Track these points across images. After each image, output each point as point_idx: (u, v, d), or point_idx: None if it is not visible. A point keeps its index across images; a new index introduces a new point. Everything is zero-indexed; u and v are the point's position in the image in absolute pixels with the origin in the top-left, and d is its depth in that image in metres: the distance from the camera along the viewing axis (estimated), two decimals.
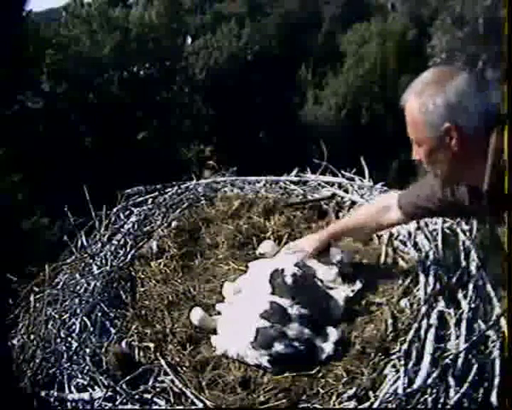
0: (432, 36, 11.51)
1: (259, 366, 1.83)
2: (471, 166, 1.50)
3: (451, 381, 1.60)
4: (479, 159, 1.45)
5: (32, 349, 1.91)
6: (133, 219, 2.73)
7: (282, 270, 2.07)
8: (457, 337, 1.75)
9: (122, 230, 2.64)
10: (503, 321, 1.71)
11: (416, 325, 1.81)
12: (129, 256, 2.46)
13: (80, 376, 1.80)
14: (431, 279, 2.00)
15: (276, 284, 2.03)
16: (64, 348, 1.90)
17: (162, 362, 1.84)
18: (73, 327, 2.02)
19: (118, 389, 1.71)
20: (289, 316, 1.92)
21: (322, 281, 2.11)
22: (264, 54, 16.02)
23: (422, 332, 1.79)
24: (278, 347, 1.82)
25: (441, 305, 1.88)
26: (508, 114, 1.39)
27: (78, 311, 2.07)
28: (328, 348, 1.85)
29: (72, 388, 1.77)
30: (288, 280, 2.03)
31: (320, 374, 1.78)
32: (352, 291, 2.07)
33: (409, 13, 16.70)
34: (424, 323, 1.82)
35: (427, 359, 1.68)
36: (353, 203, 2.67)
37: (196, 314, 2.03)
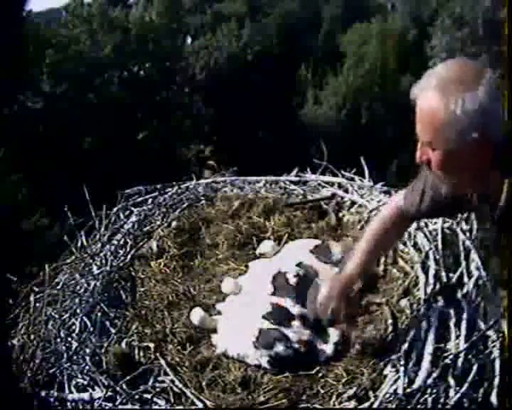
0: (432, 36, 11.52)
1: (259, 366, 1.83)
2: (488, 177, 1.34)
3: (451, 381, 1.60)
4: (496, 171, 1.30)
5: (31, 349, 1.91)
6: (133, 219, 2.73)
7: (285, 271, 2.07)
8: (457, 337, 1.75)
9: (122, 230, 2.64)
10: (503, 321, 1.71)
11: (416, 325, 1.82)
12: (129, 256, 2.46)
13: (80, 376, 1.80)
14: (431, 279, 2.00)
15: (279, 284, 2.03)
16: (64, 348, 1.90)
17: (162, 362, 1.84)
18: (73, 327, 2.02)
19: (118, 389, 1.71)
20: (291, 316, 1.92)
21: (323, 281, 2.11)
22: (264, 54, 16.01)
23: (422, 332, 1.79)
24: (279, 348, 1.82)
25: (441, 305, 1.88)
26: (508, 115, 1.38)
27: (78, 311, 2.07)
28: (328, 349, 1.86)
29: (72, 388, 1.77)
30: (292, 281, 2.03)
31: (320, 374, 1.78)
32: (352, 290, 2.07)
33: (409, 13, 16.72)
34: (424, 323, 1.82)
35: (427, 359, 1.68)
36: (353, 203, 2.67)
37: (196, 314, 2.03)
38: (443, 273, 2.03)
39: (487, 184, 1.35)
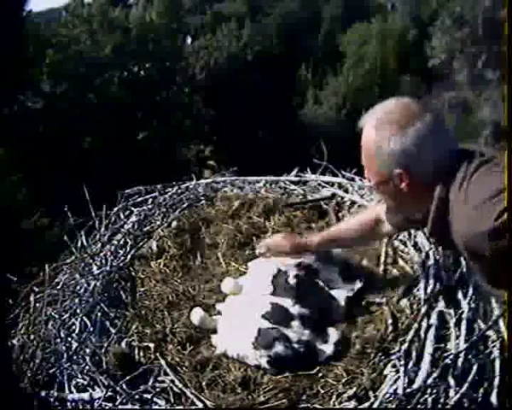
0: (432, 36, 11.52)
1: (259, 366, 1.83)
2: (416, 207, 1.51)
3: (451, 381, 1.60)
4: (425, 202, 1.45)
5: (31, 349, 1.91)
6: (133, 219, 2.73)
7: (285, 270, 2.07)
8: (457, 337, 1.75)
9: (122, 230, 2.64)
10: (502, 321, 1.71)
11: (416, 325, 1.81)
12: (129, 256, 2.46)
13: (80, 376, 1.79)
14: (431, 279, 2.00)
15: (279, 284, 2.03)
16: (64, 348, 1.89)
17: (162, 362, 1.84)
18: (73, 327, 2.02)
19: (118, 389, 1.71)
20: (291, 316, 1.92)
21: (323, 281, 2.11)
22: (264, 54, 16.02)
23: (422, 332, 1.79)
24: (278, 348, 1.82)
25: (441, 305, 1.88)
26: (508, 115, 1.39)
27: (78, 311, 2.07)
28: (328, 349, 1.86)
29: (72, 388, 1.77)
30: (291, 281, 2.03)
31: (320, 374, 1.78)
32: (352, 290, 2.08)
33: (409, 13, 16.73)
34: (424, 323, 1.82)
35: (427, 359, 1.68)
36: (353, 203, 2.67)
37: (196, 314, 2.03)
38: (443, 273, 2.03)
39: (416, 211, 1.55)
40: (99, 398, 1.70)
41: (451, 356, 1.66)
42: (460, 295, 1.91)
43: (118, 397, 1.69)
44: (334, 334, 1.89)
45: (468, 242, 1.33)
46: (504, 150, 1.34)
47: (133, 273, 2.37)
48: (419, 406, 1.56)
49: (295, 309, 1.94)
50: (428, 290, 1.95)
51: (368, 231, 2.06)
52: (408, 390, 1.59)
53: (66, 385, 1.78)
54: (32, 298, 2.17)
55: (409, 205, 1.56)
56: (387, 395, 1.61)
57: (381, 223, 2.01)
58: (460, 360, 1.65)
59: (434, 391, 1.58)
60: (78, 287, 2.24)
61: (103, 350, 1.87)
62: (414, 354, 1.72)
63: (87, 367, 1.81)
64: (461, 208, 1.33)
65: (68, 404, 1.74)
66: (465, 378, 1.60)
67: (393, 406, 1.57)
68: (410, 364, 1.68)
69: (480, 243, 1.28)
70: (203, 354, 1.89)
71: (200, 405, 1.69)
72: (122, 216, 2.76)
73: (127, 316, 2.09)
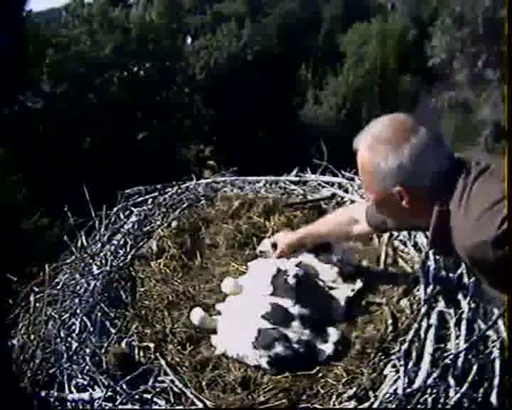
0: (432, 36, 11.52)
1: (259, 366, 1.83)
2: (417, 220, 1.53)
3: (451, 381, 1.60)
4: (426, 215, 1.45)
5: (31, 349, 1.91)
6: (133, 219, 2.73)
7: (285, 270, 2.07)
8: (457, 337, 1.75)
9: (122, 230, 2.64)
10: (501, 321, 1.71)
11: (416, 325, 1.82)
12: (129, 256, 2.46)
13: (80, 376, 1.79)
14: (431, 279, 2.00)
15: (279, 284, 2.03)
16: (64, 348, 1.90)
17: (162, 362, 1.84)
18: (73, 327, 2.02)
19: (118, 389, 1.71)
20: (291, 317, 1.92)
21: (323, 281, 2.11)
22: (264, 54, 16.03)
23: (422, 332, 1.79)
24: (278, 348, 1.82)
25: (441, 305, 1.88)
26: (508, 115, 1.39)
27: (78, 311, 2.07)
28: (328, 349, 1.86)
29: (72, 388, 1.77)
30: (291, 281, 2.03)
31: (320, 374, 1.78)
32: (352, 290, 2.08)
33: (409, 13, 16.75)
34: (424, 323, 1.82)
35: (427, 359, 1.68)
36: (353, 203, 2.67)
37: (196, 314, 2.03)
38: (443, 273, 2.03)
39: (418, 222, 1.56)
40: (99, 398, 1.70)
41: (451, 356, 1.66)
42: (460, 295, 1.91)
43: (118, 397, 1.69)
44: (334, 334, 1.89)
45: (471, 252, 1.33)
46: (504, 150, 1.34)
47: (133, 273, 2.37)
48: (419, 406, 1.56)
49: (295, 309, 1.94)
50: (428, 290, 1.95)
51: (344, 229, 2.11)
52: (408, 390, 1.59)
53: (66, 385, 1.78)
54: (32, 298, 2.17)
55: (410, 219, 1.57)
56: (387, 395, 1.61)
57: (357, 223, 2.04)
58: (460, 360, 1.65)
59: (434, 391, 1.58)
60: (78, 287, 2.24)
61: (103, 350, 1.87)
62: (414, 354, 1.72)
63: (87, 367, 1.81)
64: (462, 221, 1.34)
65: (68, 404, 1.74)
66: (465, 378, 1.61)
67: (393, 406, 1.57)
68: (410, 364, 1.69)
69: (485, 253, 1.28)
70: (203, 354, 1.89)
71: (200, 405, 1.69)
72: (122, 216, 2.75)
73: (127, 316, 2.09)
